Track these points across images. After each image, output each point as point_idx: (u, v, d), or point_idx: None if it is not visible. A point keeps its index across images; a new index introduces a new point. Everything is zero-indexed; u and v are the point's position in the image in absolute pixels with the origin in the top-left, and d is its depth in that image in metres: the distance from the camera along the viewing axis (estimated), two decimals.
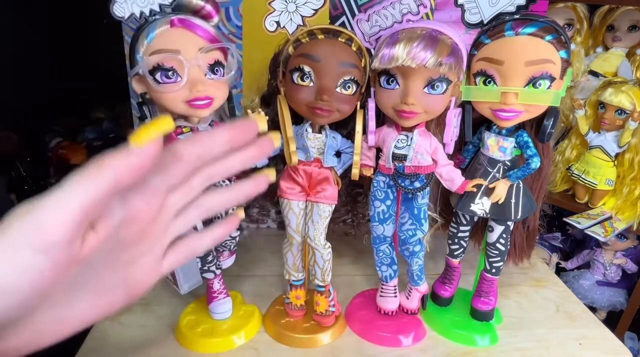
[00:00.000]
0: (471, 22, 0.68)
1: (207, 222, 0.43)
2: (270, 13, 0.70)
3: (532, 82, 0.46)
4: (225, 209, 0.33)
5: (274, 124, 0.57)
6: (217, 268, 0.60)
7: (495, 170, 0.53)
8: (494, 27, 0.47)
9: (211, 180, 0.29)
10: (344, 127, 0.57)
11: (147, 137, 0.23)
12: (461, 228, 0.59)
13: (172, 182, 0.27)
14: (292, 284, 0.60)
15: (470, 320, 0.61)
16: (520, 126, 0.52)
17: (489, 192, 0.53)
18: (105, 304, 0.27)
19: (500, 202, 0.53)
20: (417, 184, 0.52)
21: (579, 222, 0.88)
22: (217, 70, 0.50)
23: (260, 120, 0.28)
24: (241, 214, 0.34)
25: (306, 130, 0.54)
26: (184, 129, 0.52)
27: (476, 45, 0.49)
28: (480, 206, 0.54)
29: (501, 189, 0.52)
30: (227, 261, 0.66)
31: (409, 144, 0.51)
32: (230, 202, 0.31)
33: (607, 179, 0.88)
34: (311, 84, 0.50)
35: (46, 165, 1.22)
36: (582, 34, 0.96)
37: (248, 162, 0.29)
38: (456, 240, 0.60)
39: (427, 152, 0.51)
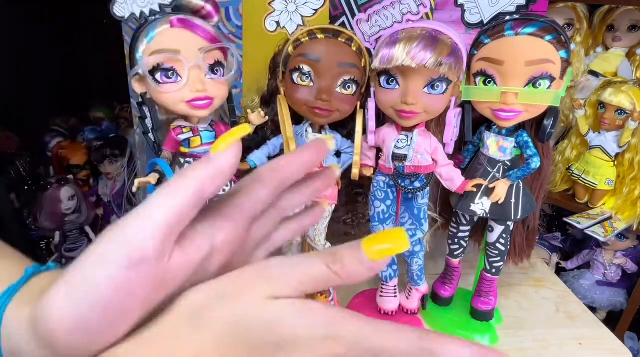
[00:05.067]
0: (471, 22, 0.68)
1: None
2: (270, 13, 0.70)
3: (532, 82, 0.46)
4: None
5: (274, 124, 0.57)
6: None
7: (495, 170, 0.53)
8: (494, 27, 0.47)
9: (283, 213, 0.28)
10: (344, 127, 0.57)
11: (225, 143, 0.22)
12: (461, 228, 0.59)
13: (256, 209, 0.26)
14: None
15: (470, 320, 0.61)
16: (520, 126, 0.52)
17: (489, 192, 0.53)
18: None
19: (500, 202, 0.53)
20: (417, 184, 0.52)
21: (579, 222, 0.88)
22: (217, 70, 0.50)
23: (330, 141, 0.27)
24: (325, 204, 0.31)
25: (306, 130, 0.54)
26: (184, 129, 0.52)
27: (476, 45, 0.49)
28: (480, 206, 0.54)
29: (501, 189, 0.52)
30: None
31: (409, 144, 0.51)
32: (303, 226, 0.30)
33: (607, 179, 0.88)
34: (311, 84, 0.50)
35: (46, 165, 1.22)
36: (582, 34, 0.96)
37: (315, 195, 0.29)
38: (456, 240, 0.60)
39: (427, 152, 0.51)
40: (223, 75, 0.51)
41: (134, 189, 0.51)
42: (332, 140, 0.27)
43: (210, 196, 0.22)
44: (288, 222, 0.29)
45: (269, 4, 0.69)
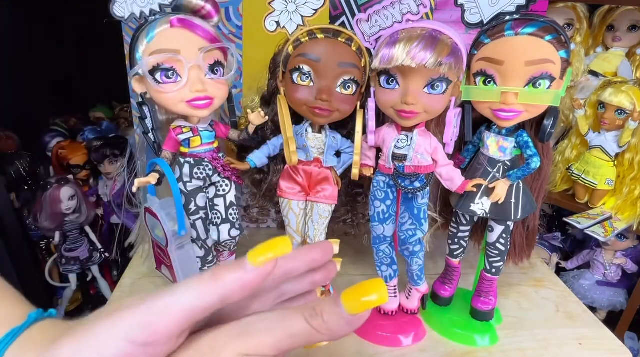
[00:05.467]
0: (471, 22, 0.68)
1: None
2: (270, 13, 0.70)
3: (532, 82, 0.46)
4: None
5: (274, 124, 0.57)
6: None
7: (495, 170, 0.53)
8: (494, 27, 0.47)
9: (282, 296, 0.30)
10: (344, 127, 0.57)
11: (265, 257, 0.23)
12: (461, 228, 0.59)
13: (259, 290, 0.27)
14: None
15: (470, 320, 0.61)
16: (520, 126, 0.52)
17: (489, 192, 0.53)
18: None
19: (500, 202, 0.53)
20: (417, 184, 0.52)
21: (579, 222, 0.89)
22: (217, 70, 0.50)
23: (335, 244, 0.29)
24: (319, 293, 0.34)
25: (306, 130, 0.54)
26: (184, 129, 0.52)
27: (476, 45, 0.49)
28: (480, 206, 0.54)
29: (501, 189, 0.52)
30: (227, 261, 0.66)
31: (409, 144, 0.51)
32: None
33: (607, 179, 0.88)
34: (311, 84, 0.50)
35: (46, 165, 1.22)
36: (582, 34, 0.96)
37: (314, 286, 0.30)
38: (456, 240, 0.60)
39: (427, 152, 0.51)
40: (223, 75, 0.51)
41: (134, 189, 0.51)
42: (337, 244, 0.29)
43: (233, 302, 0.23)
44: (284, 303, 0.31)
45: (269, 4, 0.69)
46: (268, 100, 0.58)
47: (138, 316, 0.22)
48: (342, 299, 0.22)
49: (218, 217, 0.56)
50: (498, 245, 0.56)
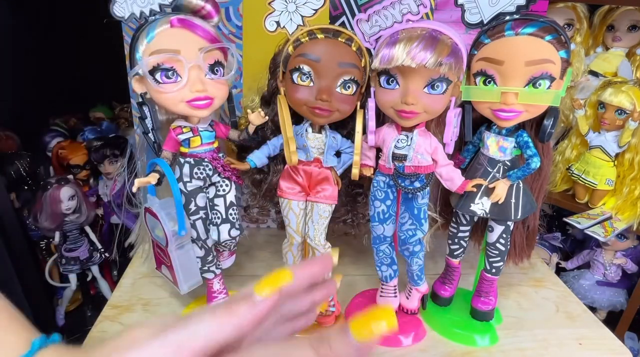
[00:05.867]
0: (471, 22, 0.67)
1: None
2: (270, 13, 0.70)
3: (532, 82, 0.46)
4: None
5: (274, 124, 0.57)
6: (217, 268, 0.60)
7: (495, 170, 0.53)
8: (494, 27, 0.47)
9: (283, 317, 0.31)
10: (344, 127, 0.57)
11: (269, 290, 0.24)
12: (461, 228, 0.59)
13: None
14: None
15: (470, 320, 0.61)
16: (520, 126, 0.52)
17: (489, 192, 0.53)
18: None
19: (500, 202, 0.53)
20: (417, 184, 0.52)
21: (579, 222, 0.89)
22: (217, 70, 0.50)
23: (335, 254, 0.30)
24: (338, 282, 0.34)
25: (306, 130, 0.54)
26: (184, 129, 0.52)
27: (476, 45, 0.49)
28: (480, 206, 0.54)
29: (501, 189, 0.52)
30: (227, 261, 0.66)
31: (409, 144, 0.51)
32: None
33: (607, 179, 0.88)
34: (311, 84, 0.50)
35: (46, 165, 1.22)
36: (582, 34, 0.96)
37: (313, 306, 0.31)
38: (456, 240, 0.60)
39: (427, 152, 0.51)
40: (223, 75, 0.51)
41: (134, 189, 0.51)
42: (337, 253, 0.29)
43: (246, 334, 0.24)
44: (285, 323, 0.32)
45: (269, 4, 0.69)
46: (268, 100, 0.58)
47: (151, 351, 0.22)
48: (351, 326, 0.22)
49: (218, 217, 0.56)
50: (498, 245, 0.56)
